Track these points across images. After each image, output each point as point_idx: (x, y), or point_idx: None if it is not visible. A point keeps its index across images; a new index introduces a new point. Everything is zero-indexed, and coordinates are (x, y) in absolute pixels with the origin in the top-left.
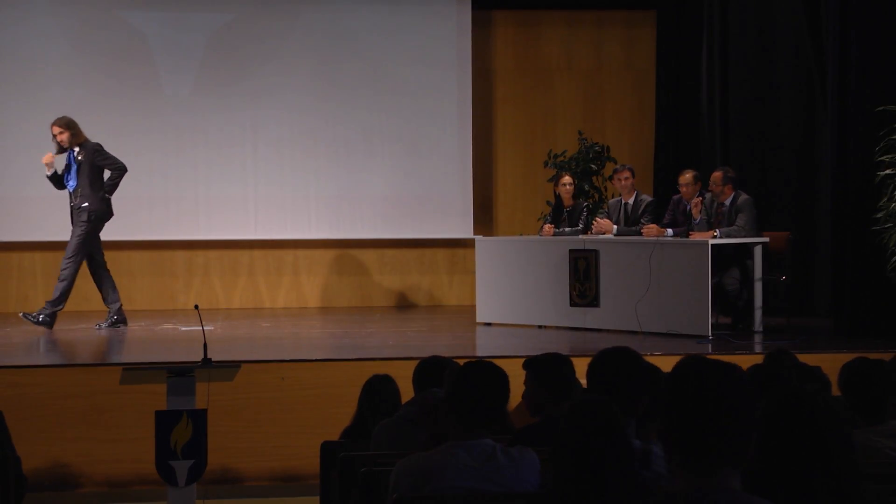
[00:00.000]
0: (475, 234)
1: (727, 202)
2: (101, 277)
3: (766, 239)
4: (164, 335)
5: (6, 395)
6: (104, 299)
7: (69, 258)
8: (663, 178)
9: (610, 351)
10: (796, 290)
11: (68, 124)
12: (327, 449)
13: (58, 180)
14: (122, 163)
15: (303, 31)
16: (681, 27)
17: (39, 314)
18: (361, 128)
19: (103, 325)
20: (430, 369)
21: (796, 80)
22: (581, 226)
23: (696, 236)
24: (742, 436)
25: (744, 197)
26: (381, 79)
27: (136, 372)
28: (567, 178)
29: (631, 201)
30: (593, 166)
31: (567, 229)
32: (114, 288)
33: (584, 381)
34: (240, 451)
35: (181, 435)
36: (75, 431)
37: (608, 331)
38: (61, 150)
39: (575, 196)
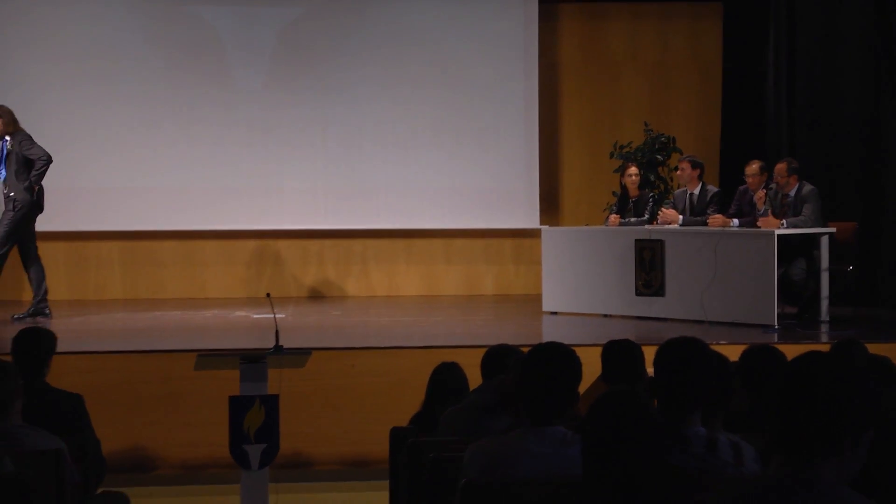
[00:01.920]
0: (541, 224)
1: (792, 193)
2: (30, 269)
3: (833, 229)
4: (236, 322)
5: (86, 381)
6: (34, 293)
7: None
8: (729, 169)
9: (676, 340)
10: (863, 280)
11: (1, 113)
12: (396, 435)
13: None
14: (46, 153)
15: (371, 24)
16: (747, 19)
17: None
18: (429, 120)
19: (22, 315)
20: (498, 357)
21: (863, 72)
22: (647, 216)
23: (764, 225)
24: (850, 430)
25: (808, 187)
26: (448, 72)
27: (210, 358)
28: (633, 169)
29: (697, 192)
30: (659, 157)
31: (633, 219)
32: (40, 281)
33: (650, 370)
34: (311, 437)
35: (254, 420)
36: (152, 416)
37: (673, 320)
38: None
39: (641, 186)
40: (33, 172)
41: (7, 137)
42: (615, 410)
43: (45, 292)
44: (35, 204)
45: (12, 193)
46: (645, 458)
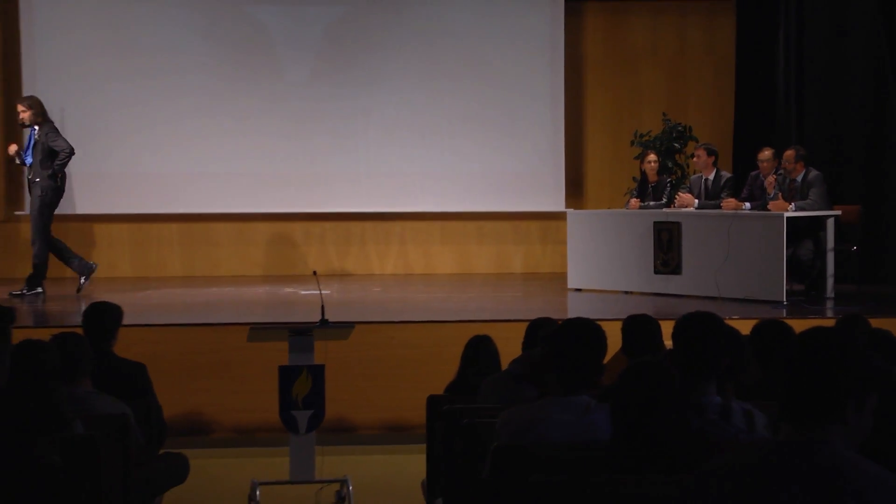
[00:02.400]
0: (566, 207)
1: (798, 178)
2: (54, 249)
3: (839, 212)
4: (286, 298)
5: (149, 351)
6: (67, 265)
7: (34, 241)
8: (742, 156)
9: (693, 315)
10: (866, 259)
11: (32, 104)
12: (433, 402)
13: (24, 164)
14: (69, 146)
15: (408, 21)
16: (759, 14)
17: (25, 292)
18: (463, 110)
19: (82, 285)
20: (535, 329)
21: (868, 64)
22: (665, 200)
23: (774, 208)
24: (852, 394)
25: (814, 173)
26: (481, 65)
27: (262, 331)
28: (652, 156)
29: (711, 177)
30: (676, 145)
31: (652, 203)
32: (62, 251)
33: (668, 343)
34: (354, 403)
35: (302, 388)
36: (208, 383)
37: (689, 296)
38: (23, 126)
39: (659, 172)
40: (56, 162)
41: (35, 127)
42: (644, 379)
43: (69, 250)
44: (59, 189)
45: (37, 179)
46: (670, 423)
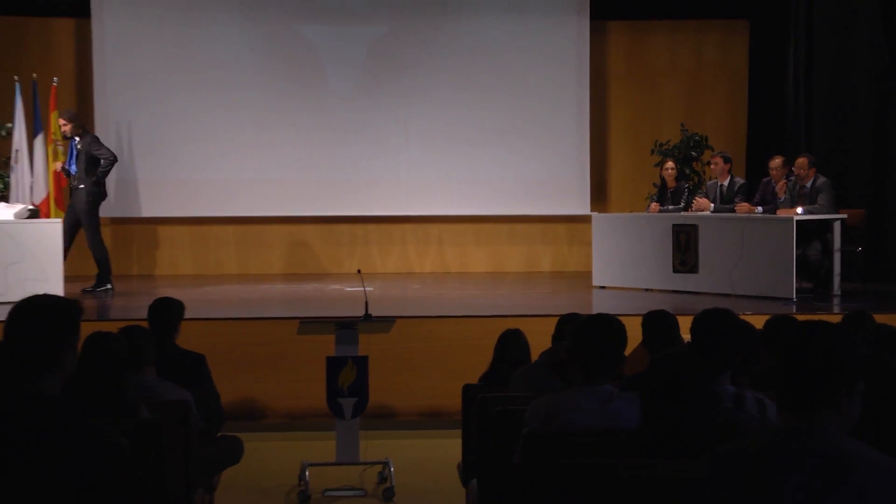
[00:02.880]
0: (591, 210)
1: (808, 184)
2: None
3: (845, 215)
4: (332, 294)
5: (208, 342)
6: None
7: (91, 244)
8: (754, 163)
9: (710, 311)
10: (871, 259)
11: (71, 118)
12: (468, 391)
13: (68, 174)
14: (112, 154)
15: (446, 40)
16: (770, 34)
17: (95, 289)
18: (496, 121)
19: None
20: (562, 324)
21: (872, 79)
22: (683, 204)
23: (783, 213)
24: (844, 385)
25: (823, 179)
26: (512, 80)
27: (311, 324)
28: (670, 164)
29: (726, 183)
30: (693, 153)
31: (670, 207)
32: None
33: (685, 337)
34: (395, 392)
35: (347, 377)
36: (261, 373)
37: (705, 294)
38: (65, 137)
39: (677, 178)
40: (100, 169)
41: (76, 138)
42: (672, 369)
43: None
44: (102, 194)
45: (82, 186)
46: (695, 410)
